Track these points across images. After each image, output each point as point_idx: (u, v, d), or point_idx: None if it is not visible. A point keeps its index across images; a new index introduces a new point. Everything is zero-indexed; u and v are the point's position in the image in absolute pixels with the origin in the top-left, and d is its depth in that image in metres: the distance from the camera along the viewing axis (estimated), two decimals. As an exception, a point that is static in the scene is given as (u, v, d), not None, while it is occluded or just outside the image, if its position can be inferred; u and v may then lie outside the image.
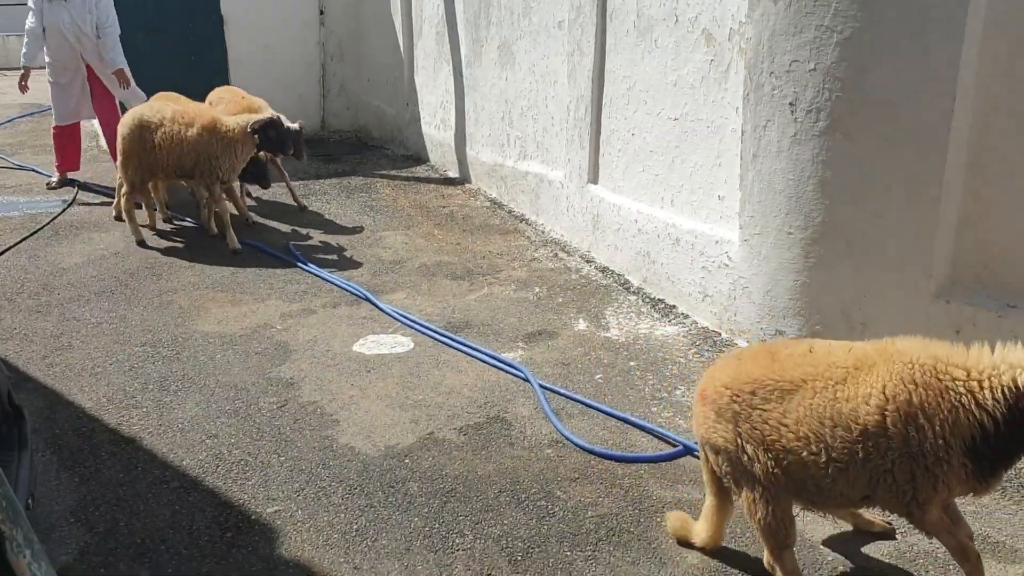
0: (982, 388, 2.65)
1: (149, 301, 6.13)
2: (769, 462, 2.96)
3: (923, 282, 4.41)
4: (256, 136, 6.91)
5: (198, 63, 10.98)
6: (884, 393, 2.75)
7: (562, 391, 4.75)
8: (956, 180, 4.29)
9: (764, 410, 2.96)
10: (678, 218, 5.76)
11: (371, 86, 11.50)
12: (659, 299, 5.98)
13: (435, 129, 9.86)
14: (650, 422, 4.43)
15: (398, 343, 5.46)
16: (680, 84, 5.63)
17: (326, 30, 11.72)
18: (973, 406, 2.65)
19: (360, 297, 6.16)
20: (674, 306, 5.85)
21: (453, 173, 9.49)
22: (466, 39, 8.74)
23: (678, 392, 4.76)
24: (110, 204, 8.09)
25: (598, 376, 4.97)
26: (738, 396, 3.03)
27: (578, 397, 4.67)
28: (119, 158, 7.19)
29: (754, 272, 5.01)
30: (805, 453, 2.88)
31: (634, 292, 6.18)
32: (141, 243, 7.23)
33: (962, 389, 2.68)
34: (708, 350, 5.23)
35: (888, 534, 3.51)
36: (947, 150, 4.19)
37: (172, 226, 7.88)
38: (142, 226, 7.42)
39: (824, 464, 2.86)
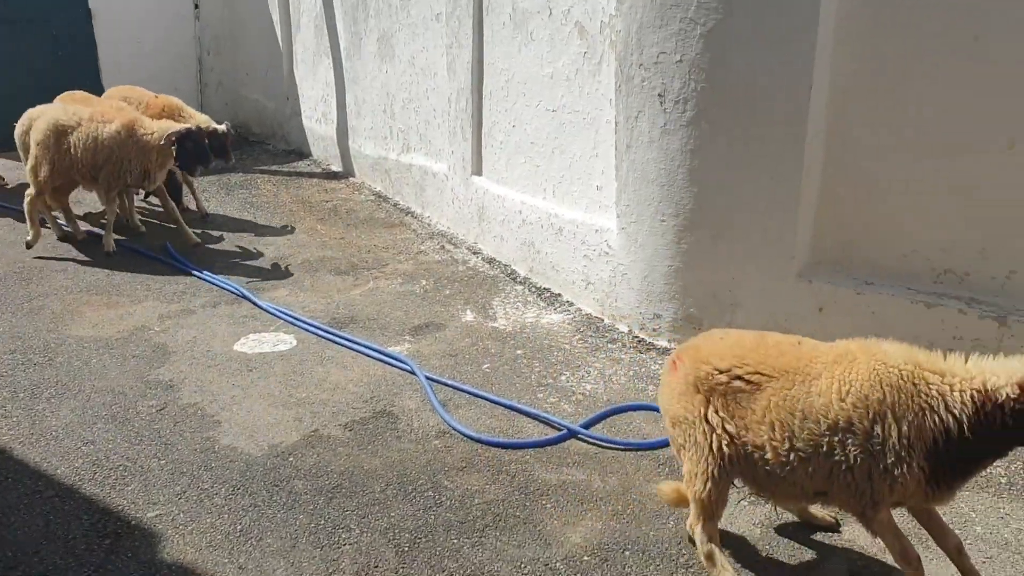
0: (953, 391, 2.72)
1: (18, 307, 5.87)
2: (727, 440, 3.02)
3: (786, 263, 4.62)
4: (174, 148, 6.63)
5: (64, 58, 10.51)
6: (860, 391, 2.79)
7: (449, 382, 4.79)
8: (815, 165, 4.52)
9: (739, 391, 3.01)
10: (560, 208, 5.86)
11: (250, 80, 11.24)
12: (545, 288, 6.08)
13: (316, 123, 9.73)
14: (536, 408, 4.51)
15: (281, 341, 5.39)
16: (556, 76, 5.73)
17: (201, 24, 11.41)
18: (942, 409, 2.71)
19: (240, 296, 6.05)
20: (559, 294, 5.96)
21: (336, 167, 9.39)
22: (345, 32, 8.65)
23: (563, 378, 4.85)
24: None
25: (485, 366, 5.02)
26: (714, 373, 3.06)
27: (465, 387, 4.72)
28: (30, 162, 6.84)
29: (632, 259, 5.15)
30: (767, 438, 2.94)
31: (520, 282, 6.26)
32: (64, 238, 7.18)
33: (935, 392, 2.74)
34: (592, 336, 5.35)
35: (832, 528, 3.55)
36: (805, 137, 4.41)
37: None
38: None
39: (785, 452, 2.91)
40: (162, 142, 6.59)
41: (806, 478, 2.92)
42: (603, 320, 5.52)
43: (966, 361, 2.78)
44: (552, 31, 5.68)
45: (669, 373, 3.24)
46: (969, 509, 3.68)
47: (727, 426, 3.03)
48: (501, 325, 5.58)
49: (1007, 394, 2.64)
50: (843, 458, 2.83)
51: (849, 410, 2.80)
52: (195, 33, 11.45)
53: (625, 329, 5.33)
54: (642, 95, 4.83)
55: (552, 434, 4.27)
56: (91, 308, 5.87)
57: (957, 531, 3.49)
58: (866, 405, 2.78)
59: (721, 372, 3.06)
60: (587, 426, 4.31)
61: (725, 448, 3.03)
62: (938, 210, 4.37)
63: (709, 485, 3.08)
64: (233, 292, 6.11)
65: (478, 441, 4.23)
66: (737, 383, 3.03)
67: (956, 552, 3.01)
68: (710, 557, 3.15)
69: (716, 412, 3.05)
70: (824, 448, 2.85)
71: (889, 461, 2.76)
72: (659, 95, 4.75)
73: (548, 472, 3.99)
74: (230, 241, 7.25)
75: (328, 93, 9.29)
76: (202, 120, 7.44)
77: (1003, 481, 3.86)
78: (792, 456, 2.90)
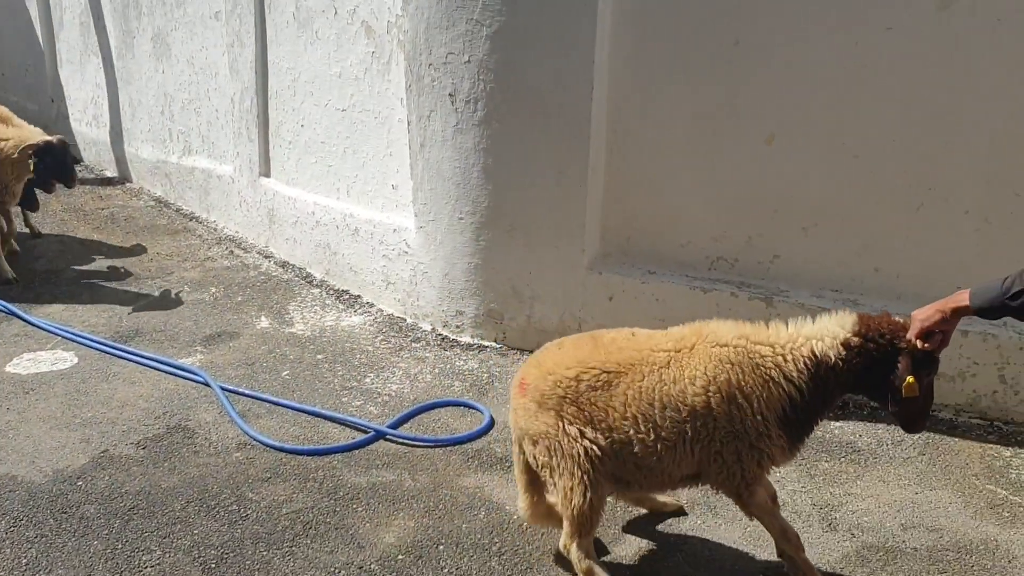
0: (786, 361, 2.88)
1: None
2: (593, 445, 2.97)
3: (578, 256, 4.83)
4: (32, 161, 5.97)
5: None
6: (706, 374, 2.89)
7: (246, 392, 4.64)
8: (599, 161, 4.74)
9: (591, 394, 2.98)
10: (355, 208, 5.82)
11: (7, 81, 10.38)
12: (343, 290, 6.01)
13: (87, 126, 9.11)
14: (341, 412, 4.46)
15: (59, 359, 5.03)
16: (345, 75, 5.68)
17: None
18: (782, 379, 2.87)
19: (8, 313, 5.58)
20: (359, 296, 5.91)
21: (111, 172, 8.84)
22: (115, 30, 8.15)
23: (367, 380, 4.83)
24: None
25: (285, 373, 4.90)
26: (562, 381, 3.02)
27: (264, 396, 4.59)
28: None
29: (432, 257, 5.20)
30: (632, 432, 2.95)
31: (317, 285, 6.15)
32: None
33: (771, 364, 2.88)
34: (395, 336, 5.35)
35: (680, 511, 3.64)
36: (589, 133, 4.62)
37: None
38: None
39: (652, 443, 2.94)
40: (15, 155, 5.97)
41: (674, 465, 3.00)
42: (405, 320, 5.53)
43: (787, 328, 2.98)
44: (338, 30, 5.62)
45: (519, 395, 3.16)
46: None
47: (588, 431, 3.00)
48: (299, 330, 5.47)
49: (835, 356, 2.87)
50: (710, 443, 2.93)
51: (703, 394, 2.90)
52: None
53: (428, 327, 5.37)
54: (433, 95, 4.89)
55: (359, 437, 4.25)
56: None
57: (741, 496, 3.80)
58: (717, 387, 2.89)
59: (570, 380, 3.03)
60: (394, 426, 4.31)
61: (593, 453, 2.99)
62: (708, 203, 4.71)
63: (589, 495, 3.01)
64: (2, 310, 5.62)
65: (282, 450, 4.13)
66: (586, 386, 3.01)
67: (788, 524, 3.16)
68: (590, 573, 3.11)
69: (573, 421, 3.01)
70: (689, 434, 2.94)
71: (753, 438, 2.90)
72: (450, 95, 4.82)
73: (357, 476, 3.96)
74: (-8, 255, 6.65)
75: (99, 95, 8.72)
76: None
77: (777, 447, 4.21)
78: (659, 446, 2.95)
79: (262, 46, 6.29)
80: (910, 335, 2.81)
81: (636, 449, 2.97)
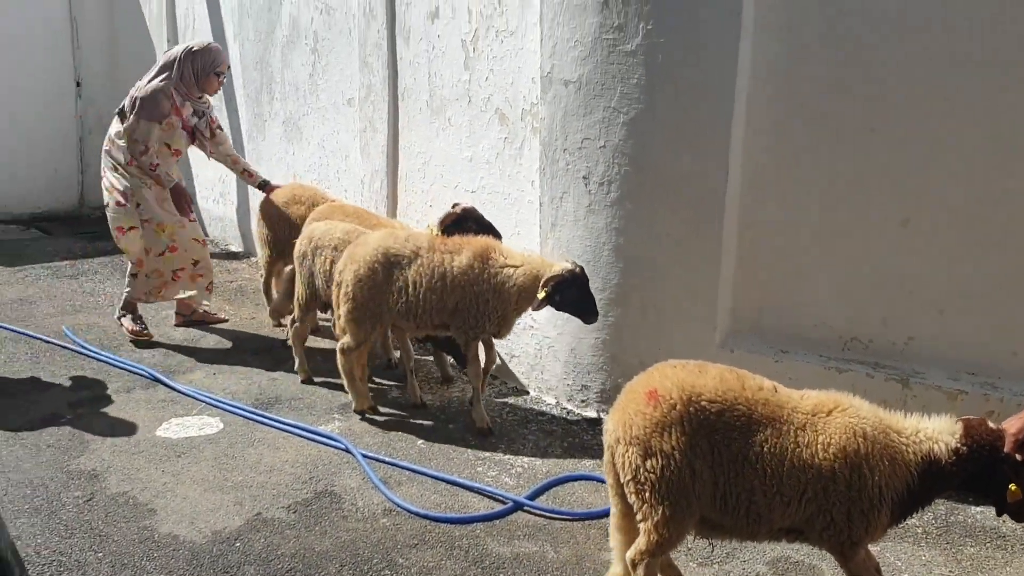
0: (908, 450, 3.05)
1: (-91, 398, 5.53)
2: (709, 483, 3.07)
3: (709, 334, 4.92)
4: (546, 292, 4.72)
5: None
6: (839, 442, 3.02)
7: (387, 459, 4.80)
8: (731, 241, 4.86)
9: (729, 435, 3.07)
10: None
11: (136, 159, 11.01)
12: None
13: (214, 203, 9.62)
14: (478, 481, 4.58)
15: (206, 424, 5.28)
16: (476, 159, 5.95)
17: (84, 102, 11.14)
18: (903, 464, 3.04)
19: (154, 379, 5.89)
20: (479, 370, 6.07)
21: (236, 247, 9.29)
22: (247, 114, 8.67)
23: (499, 451, 4.95)
24: None
25: (420, 442, 5.06)
26: (705, 410, 3.08)
27: (404, 464, 4.74)
28: (348, 308, 5.10)
29: (558, 332, 5.35)
30: (758, 484, 3.06)
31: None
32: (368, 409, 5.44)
33: (898, 447, 3.05)
34: (520, 408, 5.48)
35: None
36: (723, 215, 4.76)
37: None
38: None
39: (769, 497, 3.06)
40: (527, 286, 4.79)
41: (781, 519, 3.12)
42: (529, 392, 5.66)
43: (907, 420, 3.13)
44: (471, 117, 5.92)
45: (645, 403, 3.15)
46: (894, 558, 3.96)
47: (709, 470, 3.08)
48: (428, 400, 5.63)
49: (945, 461, 3.03)
50: (824, 503, 3.05)
51: (831, 460, 3.03)
52: (76, 111, 11.16)
53: (552, 401, 5.49)
54: (567, 177, 5.10)
55: (498, 507, 4.35)
56: (-8, 397, 5.60)
57: (890, 579, 3.79)
58: (846, 456, 3.02)
59: (713, 414, 3.09)
60: (532, 497, 4.41)
61: (703, 492, 3.09)
62: (842, 283, 4.77)
63: (683, 528, 3.14)
64: (147, 376, 5.94)
65: (426, 518, 4.26)
66: (725, 425, 3.09)
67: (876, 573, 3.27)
68: None
69: (700, 455, 3.07)
70: (808, 494, 3.05)
71: (866, 506, 3.03)
72: (584, 177, 5.02)
73: (501, 545, 4.05)
74: (134, 324, 7.04)
75: (227, 174, 9.19)
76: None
77: (919, 531, 4.18)
78: (778, 499, 3.07)
79: (394, 131, 6.64)
80: (1006, 449, 2.96)
81: (757, 496, 3.08)
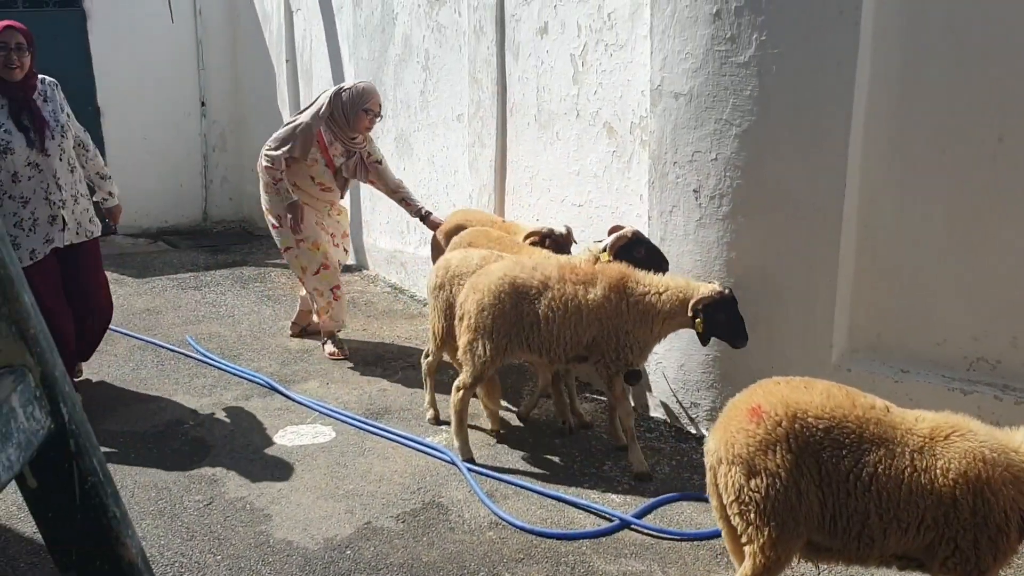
0: None
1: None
2: (817, 504, 2.98)
3: (824, 352, 4.76)
4: (699, 319, 4.48)
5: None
6: (958, 467, 2.89)
7: (492, 473, 4.81)
8: (849, 256, 4.70)
9: (838, 453, 2.97)
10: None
11: (255, 176, 11.39)
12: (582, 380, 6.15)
13: (327, 217, 9.89)
14: (583, 498, 4.55)
15: (319, 433, 5.42)
16: (583, 173, 5.94)
17: (208, 120, 11.66)
18: None
19: (271, 388, 6.08)
20: (588, 383, 6.04)
21: (350, 260, 9.51)
22: (360, 130, 8.89)
23: (606, 467, 4.91)
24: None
25: (526, 455, 5.07)
26: (812, 428, 3.00)
27: (510, 479, 4.75)
28: (468, 339, 4.83)
29: (666, 348, 5.27)
30: (872, 507, 2.95)
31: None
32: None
33: (1021, 466, 2.91)
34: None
35: None
36: (840, 229, 4.60)
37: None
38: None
39: (886, 522, 2.95)
40: (671, 309, 4.52)
41: (896, 545, 3.00)
42: (636, 409, 5.60)
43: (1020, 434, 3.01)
44: (579, 131, 5.92)
45: (748, 420, 3.08)
46: None
47: (820, 486, 2.99)
48: (534, 415, 5.64)
49: None
50: (947, 530, 2.92)
51: (951, 486, 2.90)
52: (201, 130, 11.69)
53: (661, 417, 5.41)
54: (677, 191, 5.04)
55: (605, 525, 4.31)
56: (121, 403, 5.88)
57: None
58: (967, 481, 2.89)
59: (820, 431, 2.99)
60: (639, 516, 4.35)
61: (811, 512, 2.99)
62: (967, 301, 4.54)
63: (790, 551, 3.04)
64: (263, 385, 6.14)
65: (532, 532, 4.25)
66: (833, 443, 2.99)
67: None
68: None
69: (806, 474, 2.98)
70: (927, 521, 2.93)
71: (992, 532, 2.89)
72: (694, 191, 4.95)
73: (607, 563, 4.01)
74: (252, 334, 7.30)
75: (340, 188, 9.49)
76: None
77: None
78: (894, 524, 2.96)
79: (502, 146, 6.70)
80: None
81: (872, 520, 2.95)
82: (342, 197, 6.91)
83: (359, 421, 5.50)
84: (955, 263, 4.52)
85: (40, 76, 5.48)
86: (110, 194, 6.07)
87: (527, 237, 5.49)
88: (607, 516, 4.38)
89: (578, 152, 5.97)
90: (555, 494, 4.60)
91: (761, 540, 3.04)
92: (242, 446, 5.22)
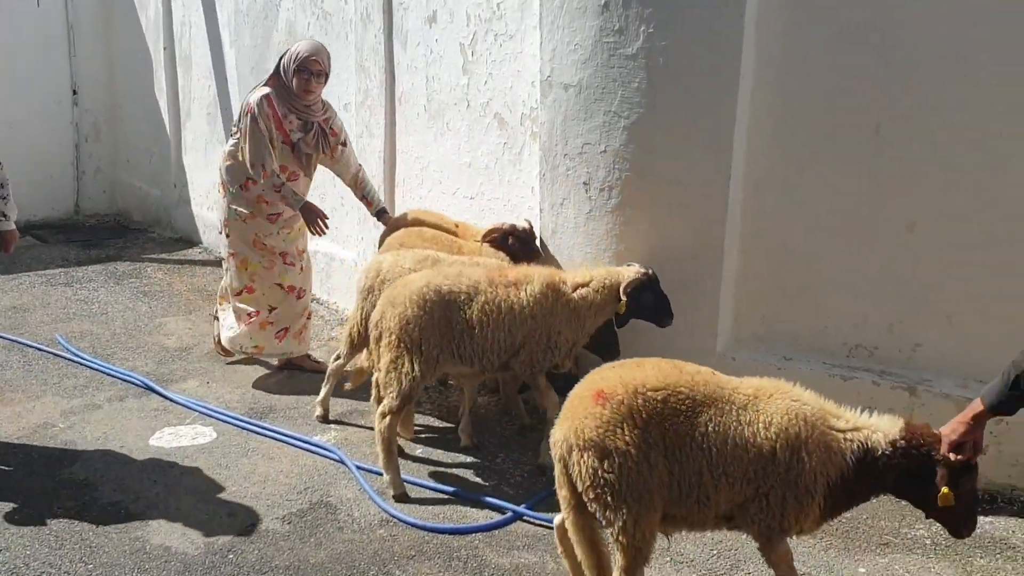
0: (846, 439, 3.09)
1: (-101, 407, 5.44)
2: (666, 473, 3.08)
3: (710, 341, 4.85)
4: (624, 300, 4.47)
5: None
6: (780, 423, 3.07)
7: (382, 471, 4.70)
8: (733, 247, 4.79)
9: (676, 419, 3.09)
10: (477, 292, 5.93)
11: (132, 167, 10.96)
12: (461, 372, 6.09)
13: (208, 211, 9.53)
14: (476, 492, 4.49)
15: (199, 434, 5.19)
16: (474, 165, 5.88)
17: (80, 109, 11.06)
18: (840, 451, 3.08)
19: (147, 388, 5.80)
20: (477, 378, 5.98)
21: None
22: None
23: (499, 460, 4.86)
24: None
25: (418, 451, 4.97)
26: (652, 399, 3.10)
27: (403, 476, 4.63)
28: (384, 355, 4.48)
29: (558, 340, 5.26)
30: (705, 464, 3.08)
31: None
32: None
33: (836, 434, 3.10)
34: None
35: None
36: (725, 220, 4.69)
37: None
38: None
39: (716, 478, 3.08)
40: (601, 298, 4.47)
41: (723, 503, 3.13)
42: (528, 403, 5.57)
43: (849, 412, 3.21)
44: (470, 122, 5.85)
45: (594, 405, 3.13)
46: (903, 571, 3.88)
47: (667, 458, 3.09)
48: (426, 409, 5.55)
49: (881, 451, 3.07)
50: (762, 485, 3.09)
51: (772, 441, 3.06)
52: (73, 118, 11.08)
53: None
54: (567, 183, 5.03)
55: (497, 518, 4.26)
56: (-18, 406, 5.50)
57: (900, 592, 3.71)
58: (787, 438, 3.05)
59: (659, 401, 3.11)
60: (532, 507, 4.32)
61: (662, 481, 3.09)
62: (847, 288, 4.69)
63: (653, 524, 3.11)
64: (139, 385, 5.85)
65: (424, 529, 4.17)
66: (672, 410, 3.11)
67: None
68: None
69: (654, 446, 3.08)
70: (750, 474, 3.09)
71: (800, 492, 3.07)
72: (584, 183, 4.95)
73: (500, 556, 3.97)
74: (127, 332, 6.95)
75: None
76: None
77: (928, 543, 4.09)
78: (723, 480, 3.09)
79: (391, 136, 6.57)
80: (942, 450, 3.01)
81: (704, 480, 3.09)
82: (308, 176, 5.96)
83: (242, 421, 5.29)
84: (836, 253, 4.67)
85: None
86: (3, 216, 5.09)
87: (486, 236, 5.18)
88: (500, 509, 4.33)
89: (469, 143, 5.90)
90: (446, 488, 4.52)
91: (622, 520, 3.09)
92: (116, 449, 4.95)
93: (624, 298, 4.38)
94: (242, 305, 5.95)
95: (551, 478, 3.47)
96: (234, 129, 5.86)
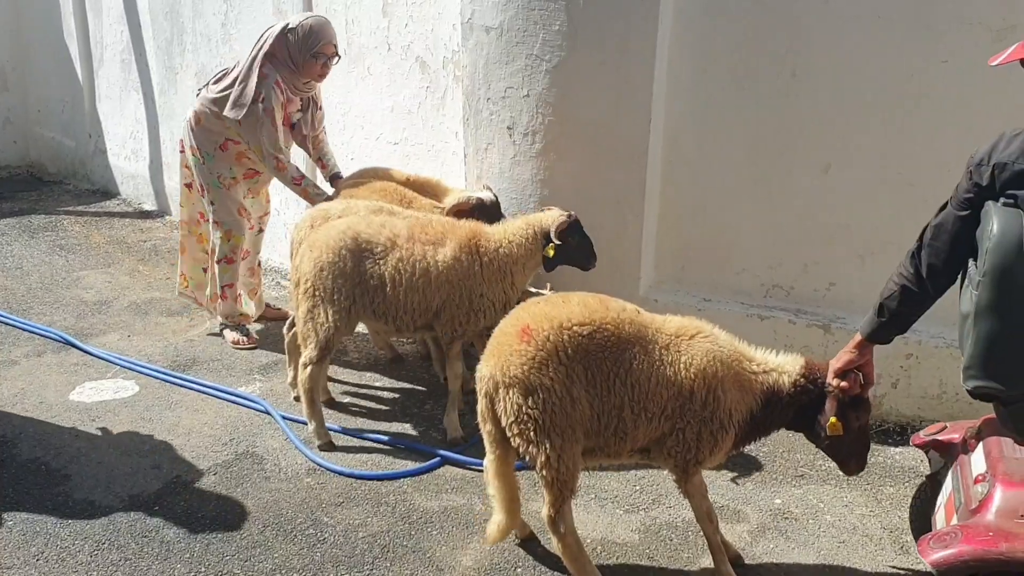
0: (757, 379, 3.22)
1: None
2: (587, 406, 3.14)
3: (633, 285, 4.91)
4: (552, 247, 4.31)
5: None
6: (699, 363, 3.15)
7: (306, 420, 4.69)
8: (655, 191, 4.84)
9: (600, 354, 3.13)
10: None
11: (43, 117, 10.53)
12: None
13: (125, 161, 9.25)
14: (405, 439, 4.52)
15: (121, 388, 5.10)
16: (397, 109, 5.80)
17: (-18, 51, 10.55)
18: (751, 391, 3.21)
19: (66, 343, 5.66)
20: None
21: (150, 205, 8.96)
22: (158, 66, 8.31)
23: (427, 407, 4.89)
24: None
25: (344, 399, 4.97)
26: (578, 335, 3.12)
27: (327, 425, 4.63)
28: (301, 303, 4.36)
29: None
30: (627, 400, 3.15)
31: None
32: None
33: (749, 375, 3.22)
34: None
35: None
36: (646, 165, 4.72)
37: None
38: None
39: (636, 414, 3.16)
40: (526, 247, 4.29)
41: (642, 436, 3.23)
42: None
43: (761, 353, 3.34)
44: (391, 66, 5.76)
45: (519, 341, 3.11)
46: (817, 500, 4.04)
47: (587, 393, 3.14)
48: (352, 359, 5.53)
49: (785, 391, 3.22)
50: (679, 422, 3.20)
51: (691, 380, 3.16)
52: (-26, 62, 10.58)
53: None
54: (491, 128, 5.00)
55: (425, 462, 4.30)
56: None
57: (809, 521, 3.86)
58: (704, 377, 3.16)
59: (583, 337, 3.13)
60: (460, 451, 4.36)
61: (585, 415, 3.15)
62: (764, 231, 4.79)
63: (575, 456, 3.17)
64: (57, 339, 5.70)
65: (351, 476, 4.18)
66: (597, 346, 3.15)
67: (707, 517, 3.39)
68: (579, 546, 3.32)
69: (577, 381, 3.12)
70: (668, 411, 3.19)
71: (715, 427, 3.19)
72: (508, 128, 4.93)
73: (428, 500, 4.01)
74: (44, 286, 6.75)
75: (139, 129, 8.87)
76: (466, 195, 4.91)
77: (839, 474, 4.25)
78: (643, 416, 3.19)
79: (312, 82, 6.42)
80: (828, 378, 3.17)
81: (624, 415, 3.17)
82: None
83: (164, 373, 5.22)
84: (752, 195, 4.76)
85: None
86: None
87: (450, 211, 4.84)
88: (428, 453, 4.37)
89: (391, 88, 5.82)
90: (374, 436, 4.54)
91: (544, 455, 3.14)
92: (35, 404, 4.84)
93: (556, 241, 4.24)
94: (221, 275, 5.67)
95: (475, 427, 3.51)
96: (202, 90, 5.47)
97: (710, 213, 4.86)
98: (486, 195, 4.91)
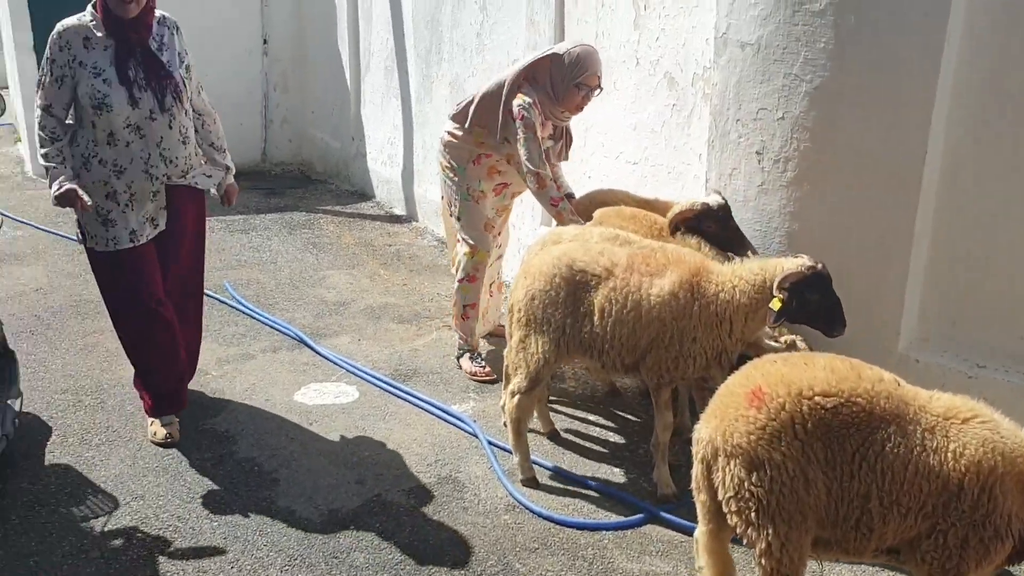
0: None
1: (72, 343, 5.72)
2: (824, 491, 2.70)
3: (892, 339, 4.27)
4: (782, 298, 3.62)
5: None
6: (972, 455, 2.62)
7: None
8: (925, 232, 4.18)
9: (846, 432, 2.69)
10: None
11: (315, 118, 11.18)
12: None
13: (381, 165, 9.59)
14: (611, 486, 4.18)
15: (342, 392, 5.15)
16: (640, 128, 5.48)
17: (270, 59, 11.39)
18: None
19: (300, 341, 5.83)
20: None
21: (399, 211, 9.22)
22: (416, 74, 8.52)
23: (641, 451, 4.52)
24: (32, 235, 7.64)
25: (561, 430, 4.71)
26: (819, 407, 2.70)
27: (535, 458, 4.38)
28: (520, 337, 4.11)
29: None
30: (874, 489, 2.67)
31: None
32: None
33: None
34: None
35: None
36: (918, 203, 4.08)
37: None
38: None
39: (885, 507, 2.68)
40: (748, 298, 3.72)
41: (890, 534, 2.71)
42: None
43: None
44: (638, 81, 5.44)
45: (747, 406, 2.73)
46: None
47: (827, 475, 2.69)
48: (570, 387, 5.27)
49: None
50: (940, 522, 2.66)
51: (961, 474, 2.61)
52: (262, 68, 11.43)
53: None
54: (738, 152, 4.55)
55: (631, 516, 3.94)
56: (148, 348, 5.69)
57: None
58: (978, 472, 2.60)
59: (826, 411, 2.68)
60: (670, 509, 3.97)
61: (820, 502, 2.70)
62: (1061, 289, 3.99)
63: (801, 547, 2.71)
64: (294, 337, 5.89)
65: (550, 520, 3.91)
66: (841, 423, 2.68)
67: None
68: None
69: (813, 461, 2.68)
70: (928, 508, 2.65)
71: (988, 534, 2.62)
72: (757, 152, 4.46)
73: (629, 560, 3.65)
74: (291, 282, 7.06)
75: (395, 136, 9.15)
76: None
77: None
78: (894, 510, 2.67)
79: (557, 95, 6.24)
80: None
81: (870, 506, 2.66)
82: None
83: (384, 382, 5.21)
84: (1048, 248, 3.97)
85: (159, 13, 4.28)
86: (227, 169, 4.92)
87: (673, 220, 4.44)
88: (635, 506, 4.01)
89: (635, 104, 5.50)
90: (580, 477, 4.24)
91: (765, 541, 2.72)
92: (261, 402, 4.99)
93: (778, 294, 3.59)
94: (462, 294, 5.46)
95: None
96: (461, 107, 5.28)
97: (991, 262, 4.12)
98: (712, 199, 4.40)
